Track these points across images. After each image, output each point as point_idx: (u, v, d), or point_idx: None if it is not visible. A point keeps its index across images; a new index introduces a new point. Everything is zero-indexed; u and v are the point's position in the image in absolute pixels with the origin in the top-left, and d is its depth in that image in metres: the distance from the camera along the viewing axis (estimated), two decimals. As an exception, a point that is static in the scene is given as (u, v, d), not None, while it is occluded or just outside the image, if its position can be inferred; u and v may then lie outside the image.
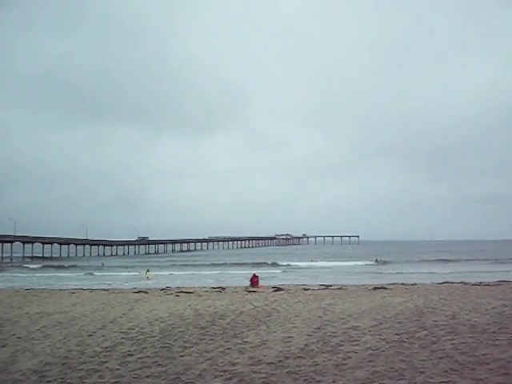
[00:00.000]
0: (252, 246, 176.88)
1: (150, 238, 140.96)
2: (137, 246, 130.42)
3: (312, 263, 69.25)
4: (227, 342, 11.35)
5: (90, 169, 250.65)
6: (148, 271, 47.02)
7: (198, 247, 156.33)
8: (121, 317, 15.72)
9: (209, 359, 9.67)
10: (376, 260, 70.64)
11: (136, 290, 27.28)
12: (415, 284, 29.20)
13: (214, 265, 70.01)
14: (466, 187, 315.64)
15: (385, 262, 68.64)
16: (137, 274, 49.56)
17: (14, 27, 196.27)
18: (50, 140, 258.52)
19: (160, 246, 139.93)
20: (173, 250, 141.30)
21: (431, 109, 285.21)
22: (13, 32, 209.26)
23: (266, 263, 69.35)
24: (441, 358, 9.06)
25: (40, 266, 68.92)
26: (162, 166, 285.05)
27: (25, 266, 70.46)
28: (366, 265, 64.73)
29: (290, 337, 11.66)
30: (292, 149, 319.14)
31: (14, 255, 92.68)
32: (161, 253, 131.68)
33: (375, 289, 24.90)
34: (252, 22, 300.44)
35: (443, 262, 71.35)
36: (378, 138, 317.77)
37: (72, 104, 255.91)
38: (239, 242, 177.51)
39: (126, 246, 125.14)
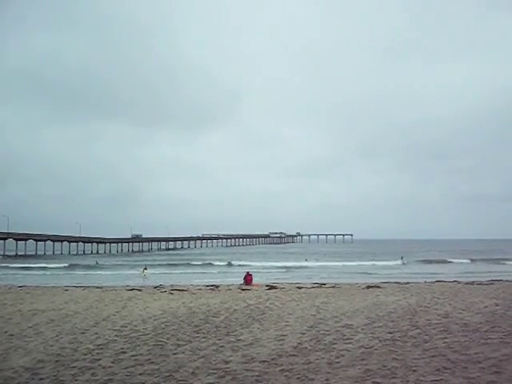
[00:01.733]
0: (246, 244, 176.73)
1: (143, 236, 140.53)
2: (130, 244, 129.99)
3: (306, 263, 68.26)
4: (220, 339, 11.36)
5: (84, 166, 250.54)
6: (145, 269, 46.40)
7: (192, 245, 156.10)
8: (114, 314, 15.70)
9: (202, 357, 9.67)
10: (401, 258, 68.94)
11: (129, 288, 27.24)
12: (408, 283, 29.29)
13: (207, 262, 69.94)
14: (459, 185, 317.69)
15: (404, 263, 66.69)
16: (134, 272, 49.18)
17: (2, 23, 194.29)
18: (42, 137, 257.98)
19: (153, 243, 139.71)
20: (166, 248, 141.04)
21: (429, 109, 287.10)
22: (0, 28, 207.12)
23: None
24: (433, 356, 9.11)
25: (33, 265, 64.19)
26: (156, 163, 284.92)
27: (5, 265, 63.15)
28: (397, 265, 62.58)
29: (283, 335, 11.68)
30: (285, 147, 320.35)
31: (6, 253, 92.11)
32: (154, 250, 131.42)
33: (368, 287, 25.01)
34: (245, 20, 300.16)
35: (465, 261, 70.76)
36: (373, 137, 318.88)
37: (64, 101, 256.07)
38: (233, 239, 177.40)
39: (120, 244, 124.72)
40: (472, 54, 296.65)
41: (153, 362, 9.34)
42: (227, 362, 9.20)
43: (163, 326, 13.41)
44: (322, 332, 11.95)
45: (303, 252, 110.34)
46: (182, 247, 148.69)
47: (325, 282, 32.01)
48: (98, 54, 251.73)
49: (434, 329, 11.93)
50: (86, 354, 10.10)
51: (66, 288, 27.94)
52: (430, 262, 70.79)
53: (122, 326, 13.36)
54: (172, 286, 29.35)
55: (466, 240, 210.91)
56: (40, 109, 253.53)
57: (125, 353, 10.18)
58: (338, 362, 8.91)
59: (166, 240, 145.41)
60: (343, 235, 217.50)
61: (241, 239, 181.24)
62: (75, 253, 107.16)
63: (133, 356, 9.88)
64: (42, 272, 53.35)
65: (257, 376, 8.22)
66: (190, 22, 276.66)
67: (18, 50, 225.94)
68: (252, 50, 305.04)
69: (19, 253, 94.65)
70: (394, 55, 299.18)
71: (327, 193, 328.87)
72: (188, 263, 69.46)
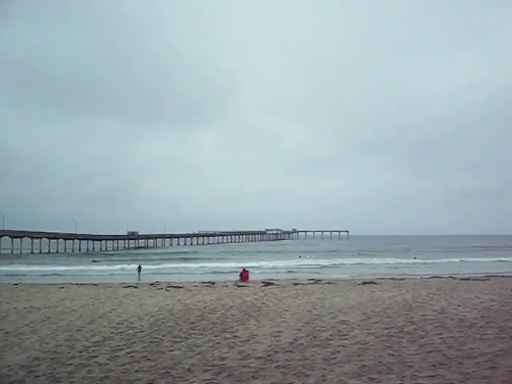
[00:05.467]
0: (242, 241, 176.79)
1: (139, 233, 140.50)
2: (126, 241, 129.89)
3: (300, 260, 67.78)
4: (217, 336, 11.36)
5: (78, 163, 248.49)
6: (140, 267, 45.75)
7: (188, 242, 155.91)
8: (110, 311, 15.69)
9: (198, 354, 9.67)
10: (414, 258, 67.19)
11: (125, 285, 27.23)
12: (404, 279, 29.38)
13: (203, 259, 70.06)
14: (454, 182, 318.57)
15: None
16: (130, 270, 48.81)
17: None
18: (35, 133, 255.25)
19: (149, 240, 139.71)
20: (162, 245, 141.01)
21: (418, 103, 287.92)
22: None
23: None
24: (429, 352, 9.13)
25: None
26: (150, 160, 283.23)
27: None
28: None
29: (279, 331, 11.69)
30: (281, 143, 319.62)
31: (2, 251, 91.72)
32: (150, 247, 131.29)
33: (364, 283, 25.05)
34: (241, 15, 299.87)
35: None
36: (367, 133, 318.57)
37: (55, 96, 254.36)
38: (229, 236, 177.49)
39: (116, 241, 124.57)
40: (473, 52, 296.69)
41: (149, 359, 9.33)
42: (223, 359, 9.20)
43: (159, 322, 13.40)
44: (317, 328, 11.96)
45: (292, 249, 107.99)
46: (178, 244, 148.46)
47: (321, 278, 32.07)
48: (90, 49, 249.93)
49: (430, 324, 11.96)
50: (81, 352, 10.08)
51: (61, 285, 27.91)
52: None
53: (117, 323, 13.35)
54: (168, 282, 29.33)
55: (466, 236, 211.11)
56: (33, 105, 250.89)
57: (121, 350, 10.18)
58: (333, 358, 8.92)
59: (162, 237, 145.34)
60: (339, 232, 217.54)
61: (237, 236, 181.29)
62: (71, 250, 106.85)
63: (129, 353, 9.87)
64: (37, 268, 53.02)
65: (253, 372, 8.23)
66: (184, 17, 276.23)
67: (8, 44, 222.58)
68: (248, 45, 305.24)
69: (14, 251, 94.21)
70: (394, 52, 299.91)
71: (323, 189, 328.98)
72: (184, 260, 69.54)
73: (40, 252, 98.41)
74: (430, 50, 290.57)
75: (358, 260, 64.55)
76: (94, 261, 70.95)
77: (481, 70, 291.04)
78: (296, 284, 25.74)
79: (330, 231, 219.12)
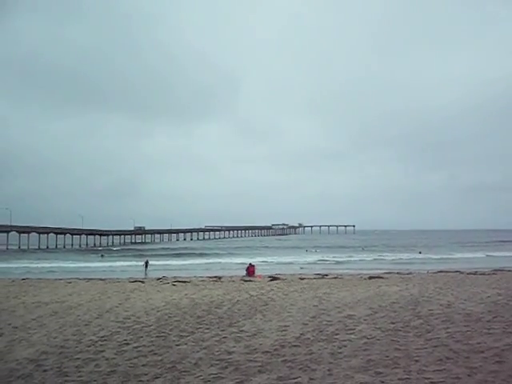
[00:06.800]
0: (248, 236, 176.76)
1: (146, 228, 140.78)
2: (133, 236, 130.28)
3: (307, 255, 67.93)
4: (223, 330, 11.38)
5: (85, 158, 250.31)
6: (147, 263, 45.60)
7: (195, 237, 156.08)
8: (117, 306, 15.76)
9: (205, 348, 9.70)
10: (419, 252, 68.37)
11: (132, 280, 27.34)
12: (411, 273, 29.32)
13: (210, 254, 70.26)
14: (463, 176, 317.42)
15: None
16: (138, 265, 48.87)
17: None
18: (42, 128, 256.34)
19: (156, 235, 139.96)
20: (169, 240, 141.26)
21: (428, 98, 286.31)
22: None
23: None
24: (436, 346, 9.11)
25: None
26: (156, 155, 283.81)
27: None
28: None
29: (285, 326, 11.70)
30: (286, 138, 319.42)
31: (9, 247, 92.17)
32: (157, 242, 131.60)
33: (371, 278, 25.05)
34: (244, 10, 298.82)
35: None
36: (373, 128, 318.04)
37: (63, 92, 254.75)
38: (236, 231, 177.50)
39: (123, 236, 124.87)
40: (471, 41, 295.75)
41: (156, 354, 9.37)
42: (230, 353, 9.22)
43: (166, 317, 13.45)
44: (324, 323, 11.97)
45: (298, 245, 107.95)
46: (185, 239, 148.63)
47: (327, 272, 32.05)
48: (99, 43, 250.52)
49: (437, 319, 11.93)
50: (89, 346, 10.15)
51: (69, 280, 28.05)
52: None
53: (125, 318, 13.41)
54: (175, 277, 29.42)
55: (468, 230, 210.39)
56: (40, 100, 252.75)
57: (128, 344, 10.22)
58: (340, 353, 8.92)
59: (169, 232, 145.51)
60: (345, 226, 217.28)
61: (243, 231, 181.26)
62: (78, 245, 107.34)
63: (136, 347, 9.92)
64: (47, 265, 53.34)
65: (259, 366, 8.24)
66: (192, 13, 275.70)
67: (17, 37, 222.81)
68: (251, 41, 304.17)
69: (22, 246, 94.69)
70: (393, 46, 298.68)
71: (329, 184, 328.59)
72: (191, 255, 69.71)
73: (47, 247, 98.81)
74: (429, 41, 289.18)
75: (364, 254, 64.86)
76: (101, 256, 71.25)
77: (481, 59, 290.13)
78: (302, 279, 25.74)
79: (337, 226, 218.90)
